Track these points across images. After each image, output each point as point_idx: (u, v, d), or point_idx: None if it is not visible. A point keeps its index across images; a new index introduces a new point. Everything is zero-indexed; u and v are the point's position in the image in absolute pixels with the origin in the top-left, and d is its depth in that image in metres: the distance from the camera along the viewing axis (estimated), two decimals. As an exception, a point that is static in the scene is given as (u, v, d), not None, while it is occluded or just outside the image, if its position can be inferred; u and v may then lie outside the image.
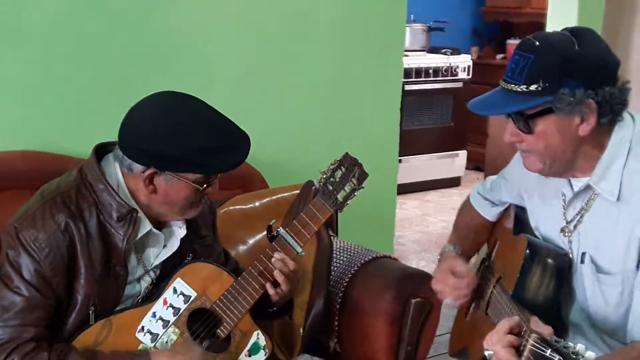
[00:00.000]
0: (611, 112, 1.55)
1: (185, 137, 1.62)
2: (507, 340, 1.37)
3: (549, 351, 1.25)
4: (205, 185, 1.68)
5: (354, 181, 1.81)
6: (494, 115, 1.64)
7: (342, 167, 1.82)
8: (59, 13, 2.35)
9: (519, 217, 1.87)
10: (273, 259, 1.77)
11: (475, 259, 2.02)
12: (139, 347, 1.70)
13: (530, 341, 1.30)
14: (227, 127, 1.68)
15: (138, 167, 1.66)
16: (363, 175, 1.83)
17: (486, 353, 1.41)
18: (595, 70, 1.52)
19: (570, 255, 1.69)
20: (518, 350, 1.35)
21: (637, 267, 1.56)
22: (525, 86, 1.53)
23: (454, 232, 2.01)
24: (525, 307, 1.63)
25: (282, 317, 1.95)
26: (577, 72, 1.51)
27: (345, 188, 1.82)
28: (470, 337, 1.89)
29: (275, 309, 1.89)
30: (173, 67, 2.58)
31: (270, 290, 1.79)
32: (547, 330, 1.34)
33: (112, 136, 1.76)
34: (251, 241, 2.38)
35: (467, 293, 1.81)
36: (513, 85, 1.55)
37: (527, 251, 1.69)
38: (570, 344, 1.24)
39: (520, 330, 1.38)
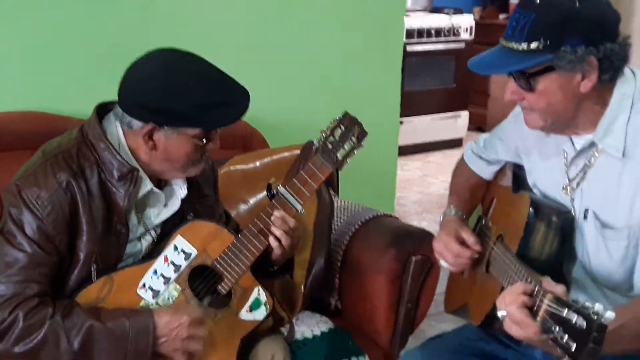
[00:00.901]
0: (612, 68, 1.54)
1: (183, 91, 1.62)
2: (521, 300, 1.37)
3: (565, 311, 1.26)
4: (205, 141, 1.68)
5: (354, 140, 1.81)
6: (495, 74, 1.63)
7: (341, 126, 1.82)
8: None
9: (517, 175, 1.87)
10: (273, 217, 1.78)
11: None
12: (140, 303, 1.72)
13: (546, 301, 1.31)
14: (226, 82, 1.67)
15: (137, 124, 1.66)
16: (362, 134, 1.82)
17: (499, 313, 1.42)
18: (596, 27, 1.51)
19: (573, 213, 1.69)
20: (532, 311, 1.36)
21: None
22: (526, 44, 1.52)
23: (453, 194, 2.01)
24: (529, 264, 1.64)
25: (283, 276, 1.96)
26: (578, 29, 1.50)
27: (345, 146, 1.81)
28: (470, 294, 1.90)
29: (276, 268, 1.90)
30: (172, 26, 2.57)
31: (274, 244, 1.79)
32: (560, 290, 1.35)
33: (112, 96, 1.75)
34: (252, 201, 2.38)
35: (467, 263, 1.82)
36: (514, 44, 1.54)
37: (531, 210, 1.70)
38: (588, 304, 1.25)
39: (533, 293, 1.38)
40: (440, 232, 1.88)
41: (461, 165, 2.05)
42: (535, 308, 1.34)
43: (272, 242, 1.79)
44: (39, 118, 2.27)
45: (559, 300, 1.28)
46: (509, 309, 1.38)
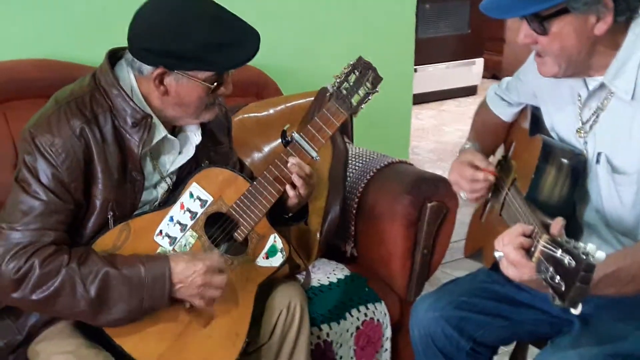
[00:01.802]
0: (628, 9, 1.52)
1: (190, 32, 1.60)
2: (519, 241, 1.38)
3: (559, 252, 1.26)
4: (216, 84, 1.67)
5: (368, 85, 1.79)
6: (508, 18, 1.60)
7: (355, 71, 1.80)
8: None
9: (536, 117, 1.86)
10: (289, 164, 1.77)
11: (492, 160, 2.01)
12: (158, 250, 1.73)
13: (542, 242, 1.32)
14: (235, 23, 1.65)
15: (147, 69, 1.65)
16: (377, 79, 1.80)
17: (496, 254, 1.43)
18: None
19: (586, 156, 1.68)
20: (529, 252, 1.37)
21: None
22: None
23: (472, 131, 2.01)
24: (539, 207, 1.63)
25: (298, 223, 1.96)
26: None
27: (359, 92, 1.80)
28: (485, 238, 1.91)
29: (291, 215, 1.90)
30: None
31: (290, 192, 1.79)
32: (557, 230, 1.36)
33: (121, 43, 1.73)
34: (266, 148, 2.39)
35: (483, 187, 1.80)
36: None
37: (542, 151, 1.69)
38: (581, 244, 1.25)
39: (531, 234, 1.39)
40: (453, 163, 1.87)
41: (483, 106, 2.04)
42: (532, 249, 1.35)
43: (289, 189, 1.79)
44: (51, 65, 2.26)
45: (553, 241, 1.29)
46: (506, 249, 1.39)
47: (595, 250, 1.23)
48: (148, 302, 1.64)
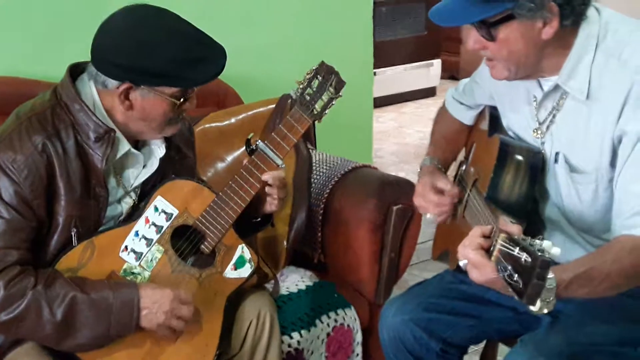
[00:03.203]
0: (573, 13, 1.53)
1: (158, 48, 1.60)
2: (477, 242, 1.39)
3: (517, 250, 1.27)
4: (182, 100, 1.67)
5: (331, 90, 1.81)
6: (456, 25, 1.63)
7: (318, 76, 1.81)
8: None
9: (494, 118, 1.88)
10: (266, 177, 1.78)
11: (453, 165, 2.04)
12: (123, 267, 1.72)
13: (500, 241, 1.32)
14: (201, 39, 1.66)
15: (113, 83, 1.64)
16: (340, 84, 1.82)
17: (460, 263, 1.44)
18: None
19: (544, 155, 1.71)
20: (489, 252, 1.37)
21: (611, 164, 1.58)
22: None
23: (432, 144, 2.02)
24: (500, 207, 1.66)
25: (266, 226, 1.96)
26: None
27: (323, 97, 1.81)
28: (451, 240, 1.93)
29: (258, 219, 1.90)
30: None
31: (272, 204, 1.82)
32: (515, 229, 1.37)
33: (82, 57, 1.73)
34: (229, 158, 2.38)
35: (449, 209, 1.84)
36: None
37: (500, 150, 1.72)
38: (537, 241, 1.26)
39: (491, 233, 1.40)
40: (416, 186, 1.89)
41: (442, 111, 2.06)
42: (491, 249, 1.36)
43: (271, 202, 1.81)
44: (9, 83, 2.24)
45: (511, 240, 1.30)
46: (466, 251, 1.40)
47: (551, 246, 1.25)
48: (115, 329, 1.63)
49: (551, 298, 1.29)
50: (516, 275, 1.26)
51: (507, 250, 1.29)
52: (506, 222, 1.41)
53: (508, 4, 1.50)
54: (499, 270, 1.32)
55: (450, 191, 1.83)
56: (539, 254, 1.23)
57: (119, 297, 1.63)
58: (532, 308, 1.26)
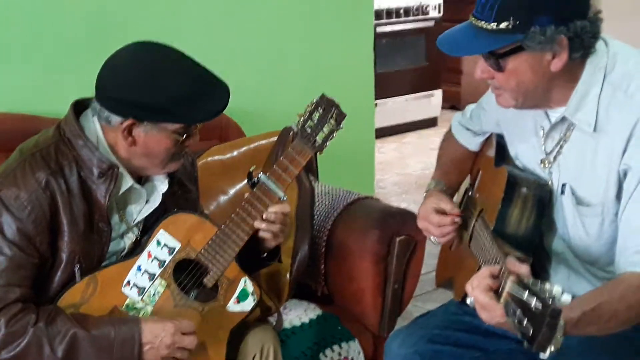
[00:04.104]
0: (583, 46, 1.54)
1: (162, 84, 1.61)
2: (486, 283, 1.38)
3: (526, 294, 1.26)
4: (185, 136, 1.68)
5: (332, 122, 1.81)
6: (464, 55, 1.64)
7: (319, 109, 1.82)
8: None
9: (501, 146, 1.88)
10: (268, 214, 1.77)
11: (457, 194, 2.04)
12: (126, 302, 1.72)
13: (508, 283, 1.31)
14: (206, 76, 1.67)
15: (116, 119, 1.65)
16: (341, 116, 1.83)
17: (468, 300, 1.43)
18: (565, 4, 1.51)
19: (551, 186, 1.70)
20: (497, 292, 1.37)
21: (617, 197, 1.58)
22: (495, 24, 1.51)
23: (438, 168, 2.02)
24: (507, 239, 1.65)
25: (273, 262, 1.94)
26: (547, 7, 1.49)
27: (324, 129, 1.81)
28: (455, 268, 1.93)
29: (265, 255, 1.89)
30: (143, 19, 2.55)
31: (267, 236, 1.79)
32: (524, 270, 1.36)
33: (84, 94, 1.75)
34: (232, 191, 2.39)
35: (451, 230, 1.83)
36: (483, 23, 1.53)
37: (507, 183, 1.71)
38: (548, 285, 1.25)
39: (498, 273, 1.39)
40: (420, 209, 1.89)
41: (448, 136, 2.06)
42: (500, 290, 1.35)
43: (266, 235, 1.79)
44: (11, 119, 2.25)
45: (520, 282, 1.29)
46: (475, 293, 1.39)
47: (561, 293, 1.24)
48: None
49: (559, 337, 1.28)
50: (525, 320, 1.25)
51: (517, 293, 1.28)
52: (514, 263, 1.40)
53: (518, 35, 1.51)
54: (508, 314, 1.31)
55: (451, 211, 1.82)
56: (550, 302, 1.22)
57: (121, 333, 1.62)
58: (542, 355, 1.25)
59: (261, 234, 1.79)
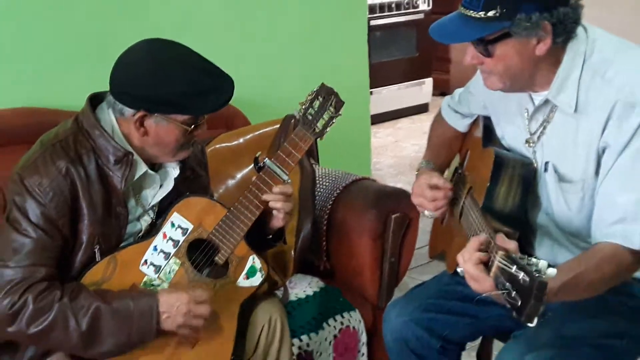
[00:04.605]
0: (565, 31, 1.54)
1: (171, 79, 1.61)
2: (477, 257, 1.39)
3: (514, 268, 1.26)
4: (193, 126, 1.67)
5: (332, 109, 1.81)
6: (455, 43, 1.63)
7: (319, 97, 1.81)
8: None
9: (488, 127, 1.88)
10: (273, 195, 1.76)
11: (447, 171, 2.03)
12: (144, 279, 1.72)
13: (497, 258, 1.32)
14: (212, 70, 1.67)
15: (129, 111, 1.65)
16: (339, 103, 1.82)
17: (459, 270, 1.43)
18: None
19: (535, 165, 1.71)
20: (486, 265, 1.37)
21: (596, 174, 1.58)
22: (483, 12, 1.51)
23: (428, 148, 2.02)
24: (495, 215, 1.66)
25: (279, 243, 1.94)
26: None
27: (324, 116, 1.81)
28: (447, 241, 1.93)
29: (271, 236, 1.90)
30: (153, 18, 2.54)
31: (279, 216, 1.79)
32: (512, 245, 1.36)
33: (97, 87, 1.74)
34: (239, 175, 2.39)
35: (445, 204, 1.83)
36: (472, 12, 1.53)
37: (494, 163, 1.71)
38: (534, 260, 1.26)
39: (488, 246, 1.39)
40: (413, 187, 1.89)
41: (438, 119, 2.05)
42: (489, 263, 1.35)
43: (276, 213, 1.79)
44: (31, 113, 2.24)
45: (508, 257, 1.29)
46: (466, 266, 1.40)
47: (546, 266, 1.24)
48: (136, 336, 1.63)
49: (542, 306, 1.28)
50: (514, 293, 1.25)
51: (506, 267, 1.28)
52: (503, 239, 1.40)
53: (505, 22, 1.50)
54: (497, 286, 1.32)
55: (443, 185, 1.82)
56: (536, 275, 1.22)
57: (139, 305, 1.63)
58: (529, 325, 1.26)
59: (271, 204, 1.77)
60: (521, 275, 1.24)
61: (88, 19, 2.41)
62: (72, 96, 2.12)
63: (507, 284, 1.27)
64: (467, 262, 1.39)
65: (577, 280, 1.45)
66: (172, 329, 1.66)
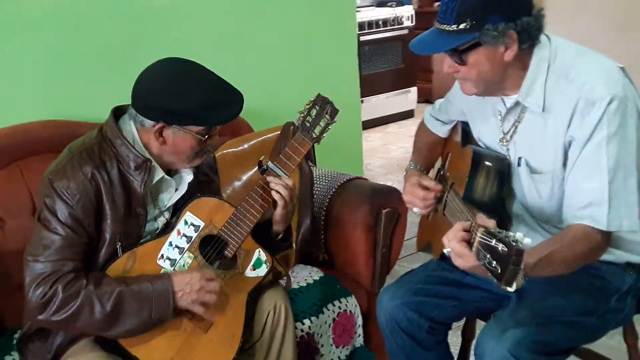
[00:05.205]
0: (529, 38, 1.55)
1: (188, 94, 1.62)
2: (460, 235, 1.39)
3: (494, 241, 1.27)
4: (207, 136, 1.68)
5: (327, 117, 1.82)
6: (432, 54, 1.64)
7: (316, 106, 1.82)
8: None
9: (465, 131, 1.89)
10: (272, 184, 1.77)
11: (431, 172, 2.04)
12: (161, 272, 1.72)
13: (478, 234, 1.33)
14: (223, 86, 1.67)
15: (149, 123, 1.66)
16: (334, 111, 1.83)
17: (445, 250, 1.44)
18: (513, 4, 1.52)
19: (509, 160, 1.71)
20: (469, 243, 1.38)
21: (564, 165, 1.59)
22: (455, 25, 1.52)
23: (414, 152, 2.03)
24: (474, 206, 1.66)
25: (287, 245, 1.94)
26: (498, 8, 1.50)
27: (321, 123, 1.82)
28: (433, 234, 1.93)
29: (279, 237, 1.89)
30: (169, 38, 2.54)
31: (281, 203, 1.78)
32: (491, 223, 1.37)
33: (118, 101, 1.75)
34: (244, 177, 2.39)
35: (433, 203, 1.84)
36: (445, 26, 1.54)
37: (473, 159, 1.72)
38: (511, 233, 1.27)
39: (470, 228, 1.40)
40: (405, 185, 1.90)
41: (422, 126, 2.07)
42: (472, 241, 1.36)
43: (279, 201, 1.77)
44: (58, 125, 2.24)
45: (488, 232, 1.30)
46: (451, 244, 1.40)
47: (522, 237, 1.25)
48: (156, 314, 1.63)
49: (521, 278, 1.29)
50: (494, 262, 1.26)
51: (486, 241, 1.29)
52: (483, 217, 1.41)
53: (475, 33, 1.51)
54: (479, 259, 1.33)
55: (434, 187, 1.83)
56: (514, 244, 1.23)
57: (157, 287, 1.64)
58: (508, 289, 1.26)
59: (273, 193, 1.77)
60: (500, 246, 1.25)
61: (110, 40, 2.41)
62: (95, 110, 2.13)
63: (488, 255, 1.28)
64: (452, 240, 1.40)
65: (551, 256, 1.46)
66: (187, 306, 1.66)
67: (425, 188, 1.83)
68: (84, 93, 2.37)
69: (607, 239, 1.55)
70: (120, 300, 1.61)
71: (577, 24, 3.32)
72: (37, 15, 2.25)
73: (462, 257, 1.39)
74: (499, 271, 1.25)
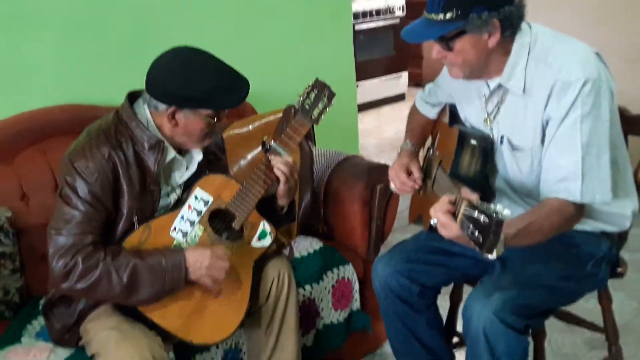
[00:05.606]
0: (511, 26, 1.55)
1: (198, 80, 1.62)
2: (446, 208, 1.40)
3: (476, 212, 1.28)
4: (216, 119, 1.69)
5: (325, 100, 1.81)
6: (421, 42, 1.64)
7: (314, 90, 1.81)
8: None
9: (453, 112, 1.89)
10: (274, 162, 1.77)
11: (422, 150, 2.05)
12: (174, 243, 1.73)
13: (462, 206, 1.34)
14: (231, 73, 1.67)
15: (162, 106, 1.66)
16: (331, 95, 1.82)
17: (432, 222, 1.44)
18: None
19: (492, 139, 1.72)
20: (454, 215, 1.39)
21: (542, 142, 1.60)
22: (442, 15, 1.52)
23: (407, 132, 2.03)
24: (460, 181, 1.67)
25: (292, 221, 1.94)
26: None
27: (319, 106, 1.81)
28: (423, 208, 1.94)
29: (284, 211, 1.89)
30: (179, 28, 2.53)
31: (282, 179, 1.77)
32: (474, 197, 1.38)
33: (132, 86, 1.75)
34: (249, 156, 2.39)
35: (410, 190, 1.86)
36: (433, 15, 1.54)
37: (459, 138, 1.73)
38: (492, 205, 1.27)
39: (455, 201, 1.41)
40: (395, 160, 1.90)
41: (413, 109, 2.07)
42: (456, 212, 1.37)
43: (281, 177, 1.77)
44: (74, 109, 2.24)
45: (471, 205, 1.31)
46: (437, 215, 1.41)
47: (502, 209, 1.26)
48: (169, 285, 1.65)
49: (501, 247, 1.30)
50: (477, 232, 1.27)
51: (469, 213, 1.30)
52: (467, 191, 1.42)
53: (461, 22, 1.51)
54: (463, 229, 1.34)
55: (416, 178, 1.84)
56: (494, 215, 1.24)
57: (170, 261, 1.65)
58: (489, 256, 1.28)
59: (275, 170, 1.76)
60: (482, 217, 1.26)
61: (125, 28, 2.39)
62: (110, 94, 2.13)
63: (471, 225, 1.29)
64: (438, 212, 1.40)
65: (529, 227, 1.48)
66: (197, 279, 1.68)
67: (409, 173, 1.83)
68: (101, 78, 2.37)
69: (581, 210, 1.56)
70: (136, 271, 1.62)
71: (557, 13, 3.30)
72: (54, 7, 2.23)
73: (447, 227, 1.39)
74: (481, 240, 1.26)
